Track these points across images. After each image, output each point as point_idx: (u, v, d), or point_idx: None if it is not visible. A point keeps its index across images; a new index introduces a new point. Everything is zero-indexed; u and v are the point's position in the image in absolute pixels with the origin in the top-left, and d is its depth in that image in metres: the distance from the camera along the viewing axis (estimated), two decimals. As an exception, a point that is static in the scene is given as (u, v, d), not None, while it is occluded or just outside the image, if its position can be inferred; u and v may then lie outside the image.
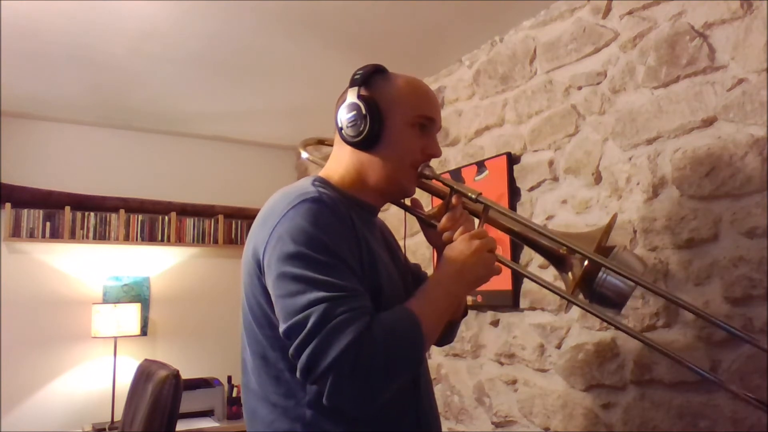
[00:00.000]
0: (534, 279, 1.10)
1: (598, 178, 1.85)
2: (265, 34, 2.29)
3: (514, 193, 2.17)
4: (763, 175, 1.41)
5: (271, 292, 0.95)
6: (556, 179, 2.01)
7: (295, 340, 0.89)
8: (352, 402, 0.89)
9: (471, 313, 2.28)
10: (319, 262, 0.91)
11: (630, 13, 1.77)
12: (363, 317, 0.89)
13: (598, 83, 1.87)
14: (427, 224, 1.17)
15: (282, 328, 0.92)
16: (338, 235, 0.96)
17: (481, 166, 2.32)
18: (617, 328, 1.05)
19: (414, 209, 1.19)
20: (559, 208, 1.99)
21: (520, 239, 1.19)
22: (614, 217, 1.23)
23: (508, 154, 2.20)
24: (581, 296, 1.12)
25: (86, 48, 2.39)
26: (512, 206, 2.16)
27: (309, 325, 0.87)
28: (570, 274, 1.12)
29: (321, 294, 0.88)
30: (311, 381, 0.89)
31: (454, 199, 1.12)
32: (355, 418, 0.96)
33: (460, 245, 1.04)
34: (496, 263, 1.06)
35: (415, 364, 0.96)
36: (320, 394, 0.95)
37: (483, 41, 2.38)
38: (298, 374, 0.90)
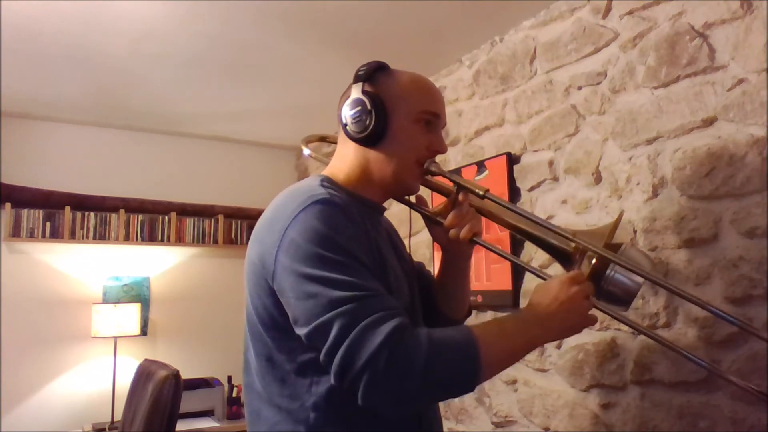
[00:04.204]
0: None
1: (598, 178, 1.85)
2: (265, 34, 2.29)
3: (514, 193, 2.17)
4: (763, 175, 1.41)
5: (285, 294, 0.93)
6: (556, 179, 2.01)
7: (322, 342, 0.87)
8: (386, 401, 0.86)
9: (471, 314, 2.27)
10: (336, 263, 0.90)
11: (630, 13, 1.77)
12: (394, 318, 0.86)
13: (598, 83, 1.87)
14: (433, 221, 1.15)
15: (304, 330, 0.90)
16: (352, 236, 0.94)
17: (481, 166, 2.32)
18: (627, 324, 1.04)
19: (419, 206, 1.18)
20: (559, 208, 1.99)
21: (527, 236, 1.17)
22: (621, 215, 1.23)
23: (508, 154, 2.20)
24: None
25: (86, 48, 2.39)
26: (512, 206, 2.15)
27: (336, 327, 0.85)
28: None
29: (344, 294, 0.87)
30: (347, 384, 0.86)
31: (460, 196, 1.11)
32: (358, 420, 0.95)
33: (555, 288, 0.98)
34: (591, 312, 1.00)
35: (463, 386, 0.90)
36: (325, 397, 0.95)
37: (483, 41, 2.38)
38: (332, 379, 0.87)
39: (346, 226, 0.94)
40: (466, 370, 0.88)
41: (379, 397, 0.85)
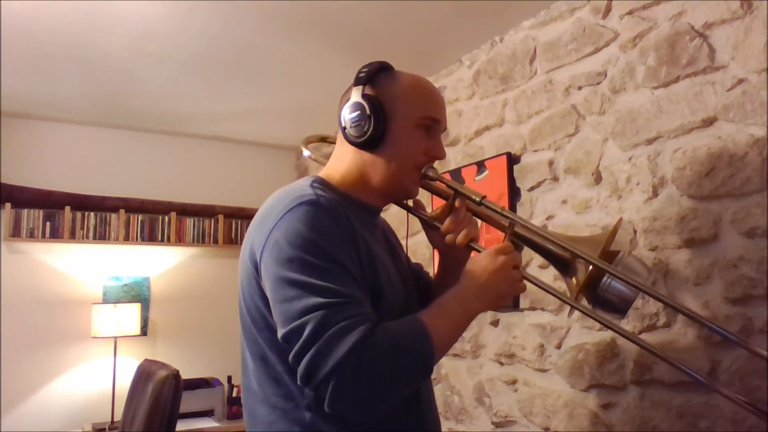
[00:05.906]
0: (553, 293, 1.06)
1: (598, 178, 1.85)
2: (266, 34, 2.29)
3: (514, 193, 2.17)
4: (763, 175, 1.41)
5: (268, 295, 0.94)
6: (556, 179, 2.01)
7: (294, 346, 0.88)
8: (353, 408, 0.88)
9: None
10: (316, 267, 0.90)
11: (630, 13, 1.77)
12: (363, 324, 0.87)
13: (598, 83, 1.87)
14: (430, 226, 1.15)
15: (280, 333, 0.91)
16: (336, 238, 0.94)
17: (481, 166, 2.32)
18: (619, 333, 1.03)
19: (416, 210, 1.18)
20: (559, 208, 1.99)
21: (525, 242, 1.17)
22: (619, 222, 1.23)
23: (508, 154, 2.20)
24: (584, 300, 1.12)
25: (86, 48, 2.39)
26: (512, 206, 2.16)
27: (307, 332, 0.86)
28: (574, 279, 1.11)
29: (319, 300, 0.87)
30: (312, 388, 0.88)
31: (457, 202, 1.10)
32: (355, 422, 0.96)
33: (484, 260, 1.01)
34: (520, 280, 1.04)
35: (422, 375, 0.94)
36: (320, 398, 0.95)
37: (483, 41, 2.38)
38: (298, 381, 0.89)
39: (330, 229, 0.94)
40: (424, 359, 0.92)
41: (345, 405, 0.87)
